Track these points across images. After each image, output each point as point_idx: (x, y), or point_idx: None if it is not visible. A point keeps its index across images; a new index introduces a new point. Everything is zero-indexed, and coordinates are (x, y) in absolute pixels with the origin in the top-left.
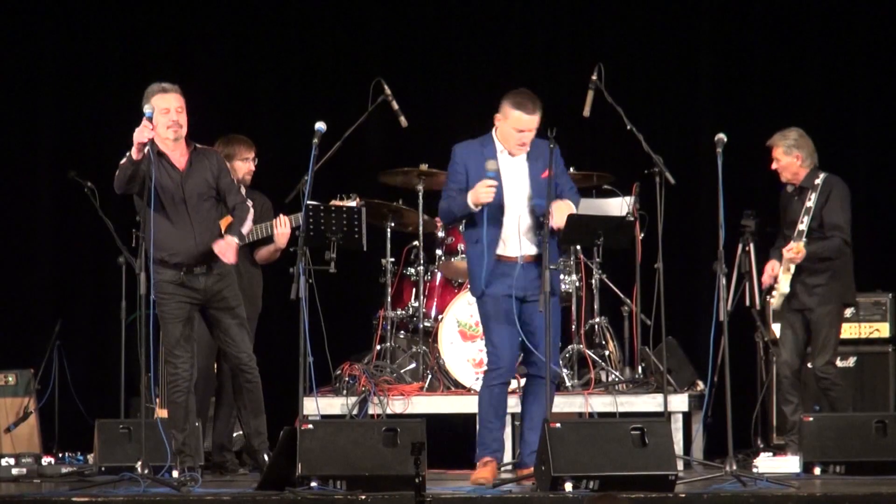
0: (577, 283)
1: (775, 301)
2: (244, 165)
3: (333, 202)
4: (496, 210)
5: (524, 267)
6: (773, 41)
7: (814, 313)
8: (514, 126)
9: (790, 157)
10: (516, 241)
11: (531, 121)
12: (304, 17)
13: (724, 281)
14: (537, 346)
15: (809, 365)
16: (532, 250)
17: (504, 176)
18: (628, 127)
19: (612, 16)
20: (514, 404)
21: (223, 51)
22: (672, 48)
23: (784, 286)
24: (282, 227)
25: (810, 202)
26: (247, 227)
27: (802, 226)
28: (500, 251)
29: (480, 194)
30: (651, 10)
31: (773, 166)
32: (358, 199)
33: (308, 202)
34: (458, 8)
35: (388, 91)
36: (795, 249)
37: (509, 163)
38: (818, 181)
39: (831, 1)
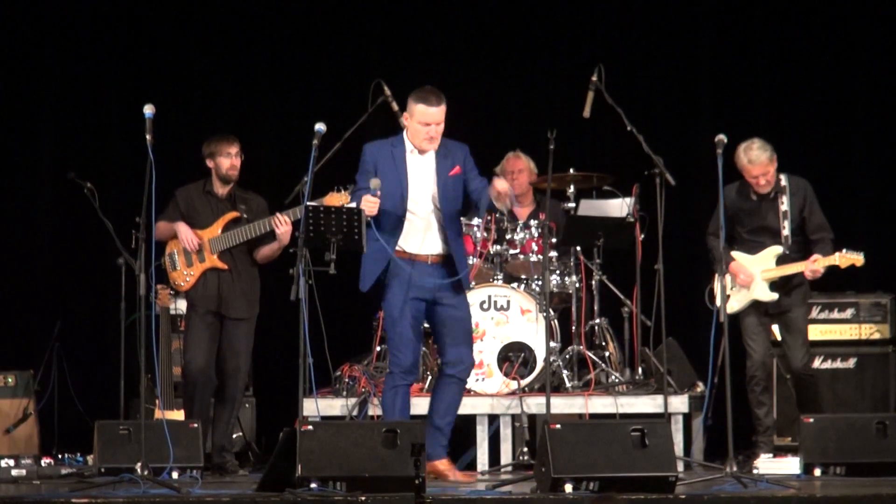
0: (578, 284)
1: (737, 306)
2: (226, 161)
3: (331, 194)
4: (398, 208)
5: (433, 266)
6: (773, 41)
7: (791, 313)
8: (420, 120)
9: (774, 164)
10: (419, 239)
11: (436, 113)
12: (304, 18)
13: (724, 281)
14: (458, 346)
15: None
16: (438, 249)
17: (412, 174)
18: (628, 128)
19: (612, 16)
20: (514, 404)
21: (222, 51)
22: (672, 48)
23: (759, 292)
24: (282, 226)
25: (784, 205)
26: None
27: (786, 231)
28: (401, 248)
29: (364, 210)
30: (651, 10)
31: (762, 182)
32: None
33: (308, 203)
34: (457, 8)
35: (387, 92)
36: (822, 263)
37: (418, 162)
38: (784, 182)
39: (831, 1)
